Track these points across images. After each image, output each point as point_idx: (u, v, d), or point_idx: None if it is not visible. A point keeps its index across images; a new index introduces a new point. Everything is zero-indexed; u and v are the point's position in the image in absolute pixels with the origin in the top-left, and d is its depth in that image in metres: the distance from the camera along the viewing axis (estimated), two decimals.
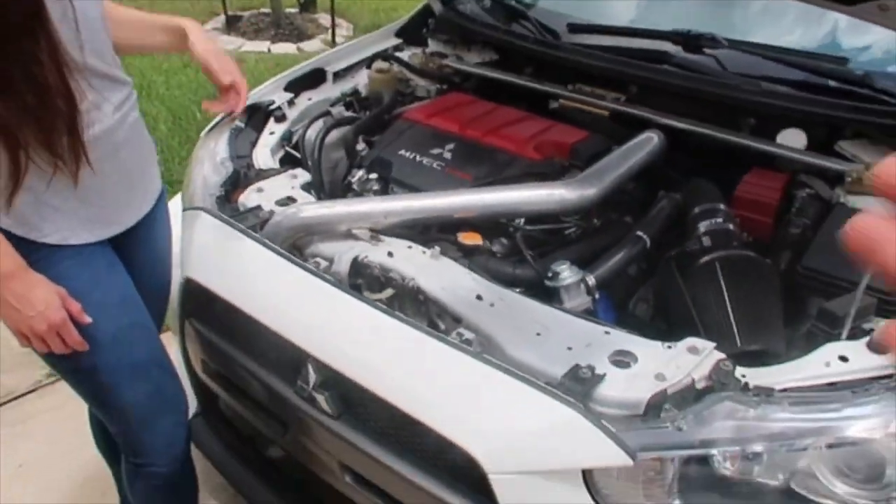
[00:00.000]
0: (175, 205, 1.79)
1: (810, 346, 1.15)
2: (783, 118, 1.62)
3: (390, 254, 1.35)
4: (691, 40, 1.80)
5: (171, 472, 1.43)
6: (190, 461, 1.54)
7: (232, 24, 5.53)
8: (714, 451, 1.05)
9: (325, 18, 5.78)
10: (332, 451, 1.30)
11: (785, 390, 1.09)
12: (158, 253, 1.53)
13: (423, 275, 1.30)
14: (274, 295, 1.32)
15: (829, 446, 1.03)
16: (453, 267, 1.33)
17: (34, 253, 1.22)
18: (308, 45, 5.32)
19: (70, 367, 1.29)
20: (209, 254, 1.44)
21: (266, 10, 5.77)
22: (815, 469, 1.06)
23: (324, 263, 1.38)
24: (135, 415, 1.32)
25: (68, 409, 2.08)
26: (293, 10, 5.85)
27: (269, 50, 5.16)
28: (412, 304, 1.30)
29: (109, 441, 1.58)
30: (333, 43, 5.32)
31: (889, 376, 1.08)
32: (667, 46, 1.83)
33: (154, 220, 1.47)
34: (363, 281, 1.36)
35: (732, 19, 1.90)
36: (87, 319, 1.21)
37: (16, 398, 2.10)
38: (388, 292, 1.31)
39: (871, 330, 1.17)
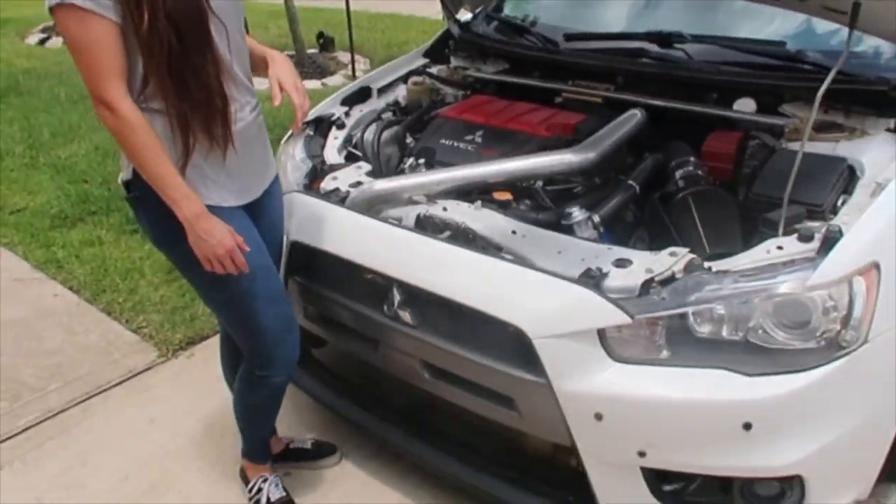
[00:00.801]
0: None
1: (758, 243, 1.61)
2: (738, 90, 2.08)
3: (444, 209, 1.83)
4: (663, 37, 2.27)
5: (285, 381, 1.88)
6: None
7: None
8: (689, 310, 1.49)
9: (343, 56, 6.34)
10: (415, 353, 1.76)
11: (738, 272, 1.54)
12: (275, 218, 1.90)
13: (471, 219, 1.78)
14: (364, 242, 1.80)
15: (769, 298, 1.47)
16: (492, 214, 1.81)
17: None
18: (331, 81, 5.86)
19: (226, 297, 1.73)
20: (309, 222, 1.92)
21: (290, 52, 6.33)
22: (763, 324, 1.51)
23: (394, 222, 1.86)
24: (271, 333, 1.78)
25: (182, 379, 2.56)
26: (314, 51, 6.40)
27: None
28: (464, 241, 1.76)
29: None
30: (354, 77, 5.85)
31: (810, 258, 1.53)
32: (644, 44, 2.30)
33: (271, 193, 1.86)
34: (425, 230, 1.83)
35: (697, 17, 2.36)
36: (248, 248, 1.62)
37: (138, 374, 2.59)
38: (447, 233, 1.77)
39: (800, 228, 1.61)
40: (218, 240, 1.58)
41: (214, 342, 2.70)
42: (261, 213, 1.80)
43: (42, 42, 7.62)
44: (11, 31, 8.05)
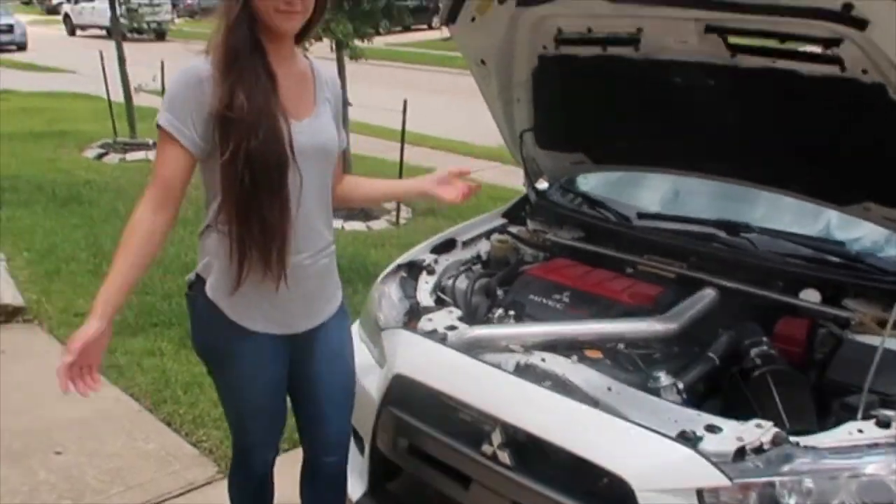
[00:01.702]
0: (353, 330, 2.46)
1: (836, 425, 1.75)
2: (802, 281, 2.29)
3: (543, 359, 1.99)
4: (731, 226, 2.53)
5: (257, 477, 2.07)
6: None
7: None
8: (780, 479, 1.61)
9: (387, 203, 6.69)
10: (509, 495, 1.85)
11: (825, 448, 1.68)
12: (334, 351, 2.03)
13: (571, 372, 1.93)
14: (470, 381, 1.94)
15: (853, 477, 1.60)
16: (588, 369, 1.96)
17: (227, 326, 1.80)
18: (375, 224, 6.17)
19: (226, 409, 1.98)
20: (414, 357, 2.07)
21: None
22: (847, 502, 1.62)
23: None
24: (253, 455, 2.01)
25: None
26: None
27: (342, 227, 5.99)
28: (564, 391, 1.90)
29: None
30: (397, 223, 6.17)
31: (892, 443, 1.67)
32: (713, 230, 2.54)
33: (329, 329, 1.99)
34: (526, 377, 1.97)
35: (763, 211, 2.62)
36: (69, 388, 1.56)
37: (198, 487, 2.63)
38: (548, 383, 1.92)
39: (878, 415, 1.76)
40: (74, 339, 1.58)
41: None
42: (313, 345, 1.96)
43: (100, 157, 8.05)
44: (71, 143, 8.52)
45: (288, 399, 2.04)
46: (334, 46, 5.79)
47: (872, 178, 2.15)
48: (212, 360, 1.91)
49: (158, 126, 1.70)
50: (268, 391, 1.92)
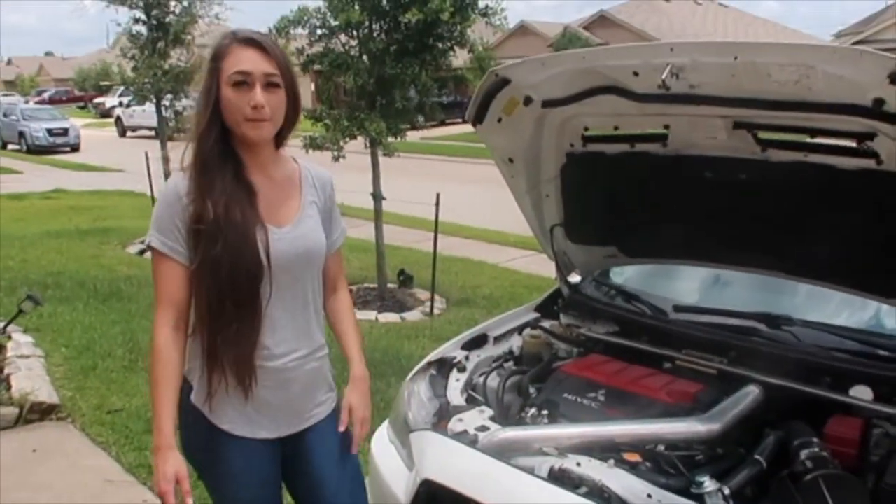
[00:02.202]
0: (382, 430, 2.41)
1: None
2: (852, 377, 2.19)
3: (578, 464, 1.90)
4: (772, 319, 2.44)
5: None
6: None
7: None
8: None
9: (421, 293, 6.70)
10: None
11: None
12: (332, 455, 1.93)
13: (607, 478, 1.84)
14: (502, 489, 1.86)
15: None
16: (627, 474, 1.87)
17: (211, 429, 1.77)
18: (409, 316, 6.15)
19: None
20: (443, 462, 2.00)
21: (371, 284, 6.72)
22: None
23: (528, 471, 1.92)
24: None
25: None
26: (393, 286, 6.79)
27: (376, 319, 5.99)
28: (600, 499, 1.81)
29: None
30: (431, 314, 6.15)
31: None
32: (753, 323, 2.46)
33: (324, 432, 1.91)
34: (560, 483, 1.88)
35: (804, 300, 2.53)
36: (189, 501, 1.67)
37: None
38: (584, 489, 1.83)
39: None
40: (160, 477, 1.68)
41: None
42: (308, 451, 1.90)
43: (141, 252, 8.24)
44: (114, 239, 8.77)
45: None
46: (368, 144, 5.93)
47: None
48: (198, 463, 1.86)
49: (150, 247, 1.74)
50: (259, 496, 1.86)
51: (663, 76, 1.92)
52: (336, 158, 5.88)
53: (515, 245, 8.90)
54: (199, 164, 1.72)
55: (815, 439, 2.03)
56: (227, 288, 1.69)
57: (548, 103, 2.25)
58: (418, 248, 8.37)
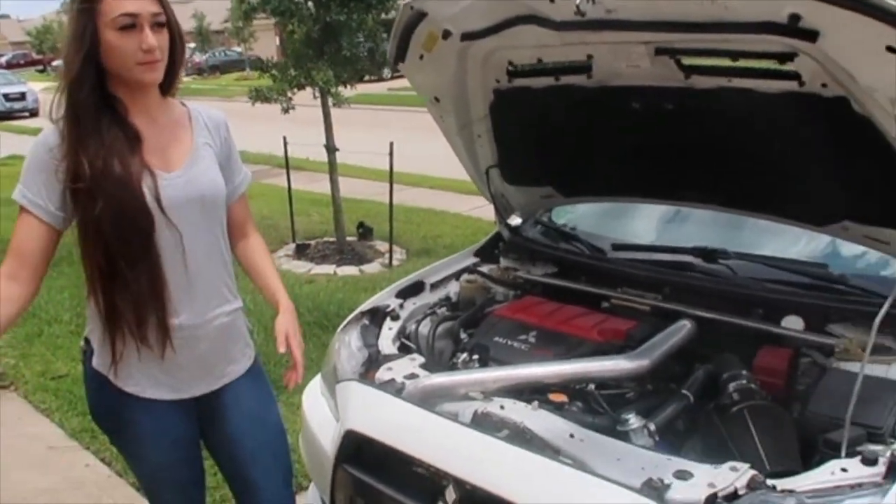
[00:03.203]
0: (315, 383, 2.36)
1: (820, 463, 1.61)
2: (784, 308, 2.16)
3: (502, 407, 1.86)
4: (707, 253, 2.40)
5: None
6: None
7: (301, 251, 6.37)
8: None
9: (381, 245, 6.62)
10: None
11: (804, 492, 1.53)
12: (250, 413, 1.89)
13: (530, 420, 1.80)
14: (422, 436, 1.81)
15: None
16: (550, 415, 1.83)
17: (117, 394, 1.70)
18: (368, 268, 6.08)
19: (139, 475, 1.88)
20: (366, 412, 1.94)
21: (330, 238, 6.63)
22: None
23: (450, 416, 1.88)
24: None
25: None
26: (353, 239, 6.70)
27: (335, 273, 5.91)
28: (522, 441, 1.77)
29: None
30: (391, 266, 6.09)
31: (878, 483, 1.52)
32: (690, 258, 2.42)
33: (239, 390, 1.87)
34: (483, 427, 1.84)
35: (742, 235, 2.49)
36: None
37: None
38: (505, 432, 1.79)
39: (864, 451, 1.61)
40: None
41: None
42: (223, 410, 1.84)
43: None
44: None
45: None
46: (318, 94, 5.78)
47: (847, 195, 2.04)
48: (108, 429, 1.81)
49: (15, 199, 1.64)
50: (174, 458, 1.81)
51: (577, 1, 1.82)
52: (285, 110, 5.73)
53: (478, 193, 8.78)
54: (71, 116, 1.60)
55: (743, 372, 2.00)
56: (116, 246, 1.59)
57: (467, 36, 2.15)
58: (378, 200, 8.24)
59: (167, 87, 1.72)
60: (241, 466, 1.89)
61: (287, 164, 6.58)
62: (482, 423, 1.84)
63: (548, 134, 2.48)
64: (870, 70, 1.63)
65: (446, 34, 2.16)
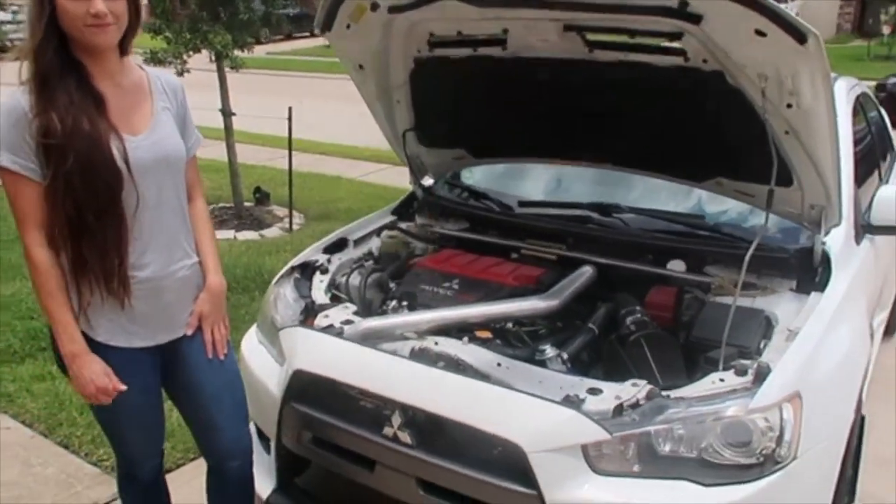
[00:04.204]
0: (251, 333, 2.51)
1: (702, 377, 1.95)
2: (669, 253, 2.51)
3: (436, 343, 2.10)
4: (603, 208, 2.72)
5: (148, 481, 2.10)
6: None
7: None
8: (655, 428, 1.79)
9: (279, 210, 6.66)
10: (412, 472, 1.94)
11: (692, 398, 1.86)
12: (209, 359, 1.98)
13: (462, 352, 2.05)
14: (368, 369, 2.03)
15: (717, 420, 1.79)
16: (478, 348, 2.09)
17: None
18: (268, 233, 6.13)
19: (100, 418, 1.97)
20: (313, 353, 2.13)
21: (226, 204, 6.61)
22: (714, 444, 1.81)
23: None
24: (135, 455, 2.04)
25: None
26: (250, 204, 6.70)
27: (235, 237, 5.93)
28: (457, 370, 2.02)
29: None
30: (291, 229, 6.17)
31: (748, 388, 1.87)
32: (588, 213, 2.73)
33: (199, 338, 1.97)
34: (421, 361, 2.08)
35: (633, 191, 2.83)
36: (121, 387, 1.80)
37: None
38: (441, 364, 2.03)
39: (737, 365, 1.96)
40: (88, 379, 1.77)
41: (177, 474, 2.77)
42: (185, 357, 1.96)
43: None
44: None
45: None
46: (214, 57, 5.72)
47: (721, 155, 2.39)
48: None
49: (2, 168, 1.68)
50: (139, 402, 1.91)
51: None
52: (180, 73, 5.64)
53: (370, 159, 8.95)
54: (38, 78, 1.66)
55: (638, 307, 2.33)
56: (84, 199, 1.68)
57: (394, 9, 2.33)
58: (273, 166, 8.25)
59: (123, 47, 1.80)
60: (203, 410, 2.01)
61: None
62: (420, 357, 2.08)
63: (463, 100, 2.71)
64: (741, 49, 1.96)
65: (374, 6, 2.33)
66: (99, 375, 1.78)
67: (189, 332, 1.94)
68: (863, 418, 2.34)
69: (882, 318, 3.22)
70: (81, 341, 1.77)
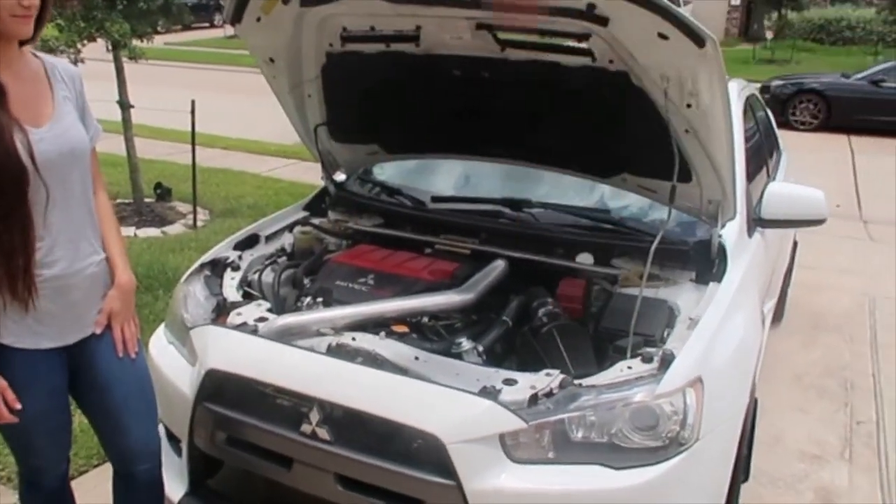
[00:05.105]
0: (159, 333, 2.45)
1: (611, 365, 2.03)
2: (577, 247, 2.59)
3: (354, 338, 2.10)
4: (514, 203, 2.79)
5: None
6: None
7: None
8: (568, 416, 1.85)
9: (181, 206, 6.46)
10: (330, 468, 1.94)
11: (602, 386, 1.94)
12: (117, 358, 1.92)
13: (379, 347, 2.06)
14: (284, 367, 2.01)
15: (626, 406, 1.87)
16: (396, 343, 2.11)
17: None
18: (171, 229, 5.93)
19: (5, 431, 1.86)
20: (226, 351, 2.09)
21: (125, 200, 6.36)
22: (623, 429, 1.90)
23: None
24: (42, 461, 1.94)
25: None
26: (150, 200, 6.47)
27: (135, 234, 5.71)
28: (375, 365, 2.03)
29: None
30: (195, 226, 5.99)
31: (654, 374, 1.96)
32: (500, 208, 2.79)
33: (107, 337, 1.90)
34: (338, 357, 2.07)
35: (542, 187, 2.90)
36: (17, 406, 1.72)
37: None
38: (359, 360, 2.03)
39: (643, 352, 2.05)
40: None
41: (81, 481, 2.66)
42: (93, 357, 1.90)
43: None
44: None
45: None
46: (111, 47, 5.49)
47: (626, 153, 2.49)
48: None
49: None
50: (47, 406, 1.84)
51: None
52: (74, 63, 5.38)
53: (276, 154, 8.79)
54: None
55: (549, 299, 2.40)
56: None
57: (306, 2, 2.30)
58: (173, 161, 7.98)
59: (32, 37, 1.71)
60: (111, 411, 1.94)
61: None
62: (337, 353, 2.07)
63: (375, 95, 2.71)
64: (645, 51, 2.05)
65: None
66: None
67: (98, 331, 1.88)
68: (756, 401, 2.50)
69: (771, 305, 3.43)
70: None
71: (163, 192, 6.58)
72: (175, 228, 5.98)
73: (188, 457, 2.22)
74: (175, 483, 2.28)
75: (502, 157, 2.81)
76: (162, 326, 2.51)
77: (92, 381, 1.91)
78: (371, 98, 2.74)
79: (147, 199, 6.42)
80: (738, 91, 3.41)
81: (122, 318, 1.93)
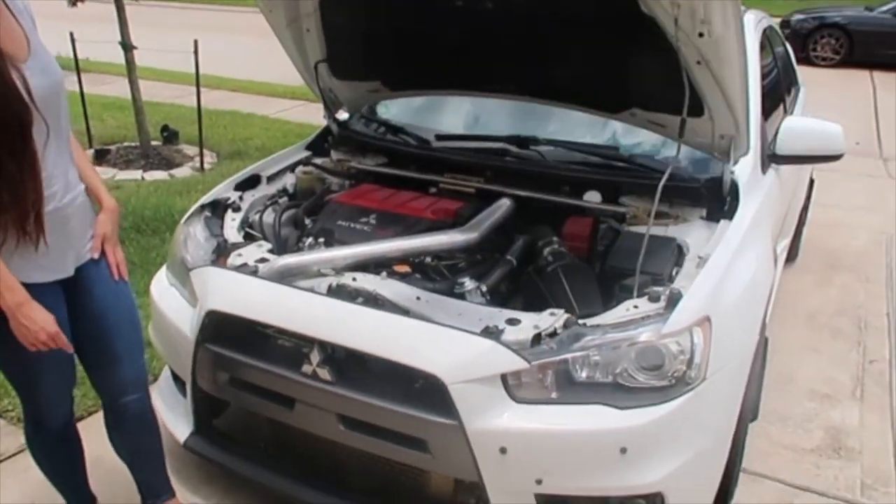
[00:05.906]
0: (161, 275, 2.42)
1: (617, 304, 1.98)
2: (585, 184, 2.52)
3: (354, 279, 2.06)
4: (521, 140, 2.71)
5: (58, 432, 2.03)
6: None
7: (101, 157, 5.99)
8: (571, 356, 1.82)
9: (188, 149, 6.39)
10: (332, 408, 1.93)
11: (607, 325, 1.90)
12: (110, 285, 1.94)
13: (381, 287, 2.02)
14: (285, 308, 1.98)
15: (631, 345, 1.84)
16: (397, 283, 2.07)
17: None
18: (178, 172, 5.88)
19: (10, 370, 1.89)
20: (227, 292, 2.07)
21: (132, 143, 6.30)
22: (628, 368, 1.86)
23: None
24: (47, 396, 1.93)
25: None
26: (157, 143, 6.41)
27: (142, 178, 5.67)
28: (375, 305, 2.00)
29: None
30: (202, 168, 5.94)
31: (661, 314, 1.92)
32: (505, 145, 2.71)
33: (99, 265, 1.92)
34: (338, 297, 2.04)
35: (549, 123, 2.82)
36: (64, 340, 1.75)
37: (10, 456, 2.51)
38: (360, 300, 2.00)
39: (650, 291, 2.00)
40: (40, 326, 1.71)
41: (90, 422, 2.67)
42: (90, 285, 1.90)
43: None
44: None
45: None
46: None
47: (635, 86, 2.39)
48: None
49: None
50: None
51: None
52: (73, 3, 5.28)
53: (284, 96, 8.68)
54: None
55: (555, 238, 2.35)
56: (2, 148, 1.57)
57: None
58: (180, 104, 7.90)
59: None
60: (103, 339, 1.94)
61: (77, 65, 6.08)
62: (338, 293, 2.04)
63: (377, 30, 2.62)
64: None
65: None
66: (49, 322, 1.71)
67: (96, 256, 1.88)
68: (766, 340, 2.45)
69: (785, 244, 3.36)
70: (22, 289, 1.68)
71: (169, 135, 6.51)
72: (182, 171, 5.93)
73: (192, 397, 2.22)
74: (181, 423, 2.30)
75: (508, 93, 2.72)
76: (163, 268, 2.49)
77: (86, 308, 1.91)
78: (373, 32, 2.65)
79: (154, 142, 6.36)
80: (754, 23, 3.27)
81: (114, 241, 1.94)
